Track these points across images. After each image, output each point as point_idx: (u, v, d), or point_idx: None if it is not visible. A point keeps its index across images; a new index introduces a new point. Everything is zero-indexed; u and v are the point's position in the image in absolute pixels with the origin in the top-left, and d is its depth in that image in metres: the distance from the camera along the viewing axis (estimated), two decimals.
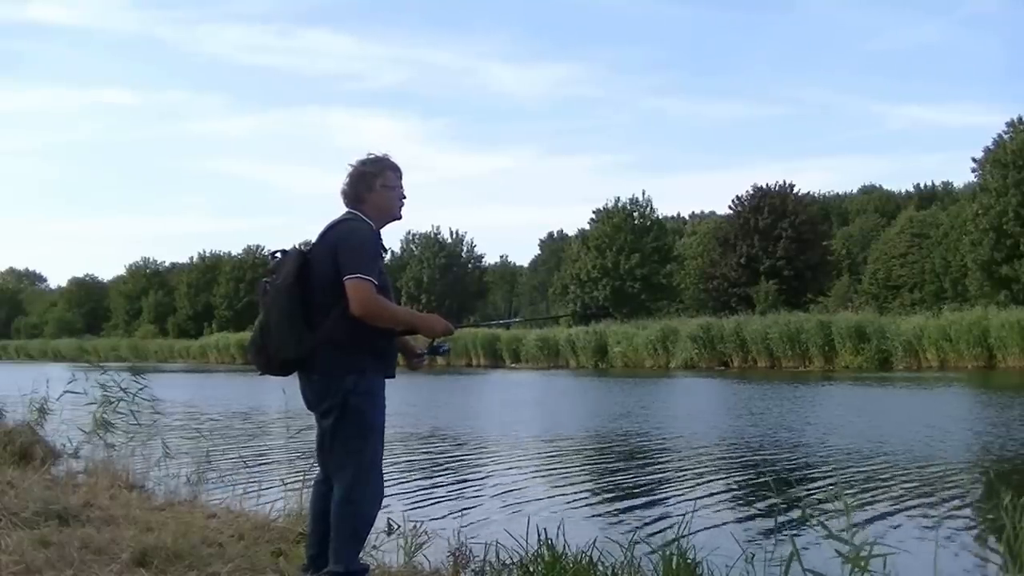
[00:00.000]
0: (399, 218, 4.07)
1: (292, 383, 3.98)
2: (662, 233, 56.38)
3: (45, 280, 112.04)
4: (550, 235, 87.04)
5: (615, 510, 7.78)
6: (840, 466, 9.81)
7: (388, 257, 4.23)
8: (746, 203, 52.11)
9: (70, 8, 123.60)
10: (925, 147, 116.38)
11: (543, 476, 9.91)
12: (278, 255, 3.96)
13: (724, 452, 11.40)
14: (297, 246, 4.37)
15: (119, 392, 8.31)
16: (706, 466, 10.34)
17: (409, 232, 66.28)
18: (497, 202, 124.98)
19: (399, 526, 5.51)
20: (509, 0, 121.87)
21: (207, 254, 79.04)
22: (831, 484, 8.30)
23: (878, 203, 72.81)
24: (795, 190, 52.68)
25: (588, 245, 55.17)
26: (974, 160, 46.96)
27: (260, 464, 10.06)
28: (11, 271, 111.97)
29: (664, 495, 8.44)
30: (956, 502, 7.66)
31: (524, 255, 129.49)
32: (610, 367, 38.59)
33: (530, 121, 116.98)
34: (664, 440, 12.69)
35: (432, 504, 7.86)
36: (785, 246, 49.68)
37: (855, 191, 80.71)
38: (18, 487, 5.70)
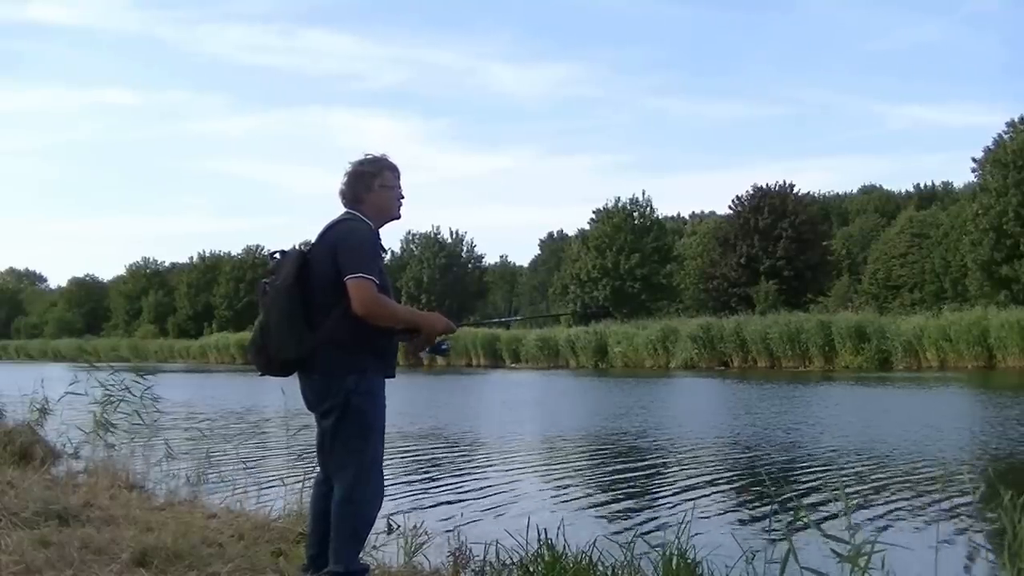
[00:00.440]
0: (398, 218, 4.08)
1: (292, 383, 3.98)
2: (662, 233, 56.38)
3: (45, 280, 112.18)
4: (550, 235, 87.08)
5: (615, 510, 7.78)
6: (840, 466, 9.81)
7: (388, 257, 4.24)
8: (746, 203, 52.12)
9: (70, 8, 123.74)
10: (925, 147, 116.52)
11: (543, 476, 9.91)
12: (277, 256, 3.96)
13: (724, 452, 11.40)
14: (297, 246, 4.37)
15: (120, 391, 8.31)
16: (706, 466, 10.34)
17: (409, 232, 66.40)
18: (497, 202, 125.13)
19: (399, 526, 5.51)
20: (510, 0, 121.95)
21: (207, 254, 79.08)
22: (831, 484, 8.30)
23: (878, 203, 72.80)
24: (795, 190, 52.72)
25: (588, 245, 55.17)
26: (974, 160, 47.03)
27: (260, 464, 10.06)
28: (11, 271, 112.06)
29: (664, 495, 8.44)
30: (956, 502, 7.65)
31: (524, 255, 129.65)
32: (610, 367, 38.59)
33: (531, 121, 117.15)
34: (664, 440, 12.69)
35: (432, 504, 7.86)
36: (785, 246, 49.68)
37: (855, 191, 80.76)
38: (18, 487, 5.70)
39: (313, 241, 3.95)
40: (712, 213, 68.24)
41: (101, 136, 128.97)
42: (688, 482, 9.12)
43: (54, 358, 64.31)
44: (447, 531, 5.38)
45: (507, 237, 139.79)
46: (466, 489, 8.82)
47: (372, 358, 3.83)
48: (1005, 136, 43.96)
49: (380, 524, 4.87)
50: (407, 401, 18.44)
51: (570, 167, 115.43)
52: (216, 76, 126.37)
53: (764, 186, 52.23)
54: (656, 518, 7.13)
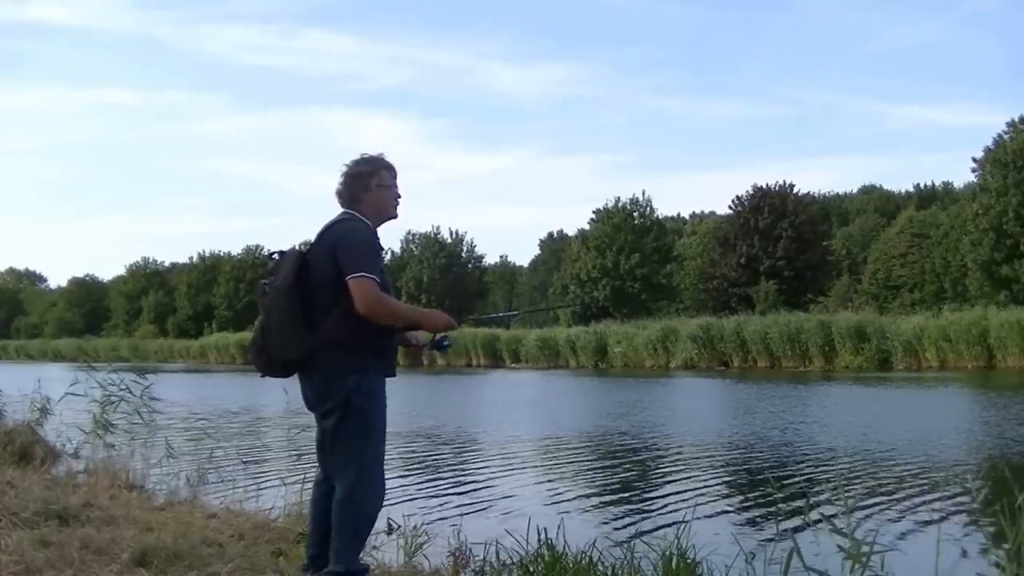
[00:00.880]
0: (395, 217, 4.08)
1: (293, 383, 3.98)
2: (662, 233, 56.35)
3: (45, 280, 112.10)
4: (550, 235, 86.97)
5: (615, 510, 7.78)
6: (840, 466, 9.81)
7: (388, 257, 4.24)
8: (746, 203, 52.11)
9: (70, 8, 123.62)
10: (925, 147, 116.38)
11: (543, 476, 9.91)
12: (276, 256, 3.96)
13: (724, 452, 11.40)
14: (296, 246, 4.37)
15: (120, 391, 8.31)
16: (706, 466, 10.34)
17: (409, 232, 66.35)
18: (497, 202, 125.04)
19: (399, 526, 5.51)
20: (510, 0, 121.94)
21: (207, 254, 79.04)
22: (831, 484, 8.29)
23: (878, 203, 72.76)
24: (795, 190, 52.69)
25: (588, 245, 55.16)
26: (974, 160, 46.99)
27: (260, 464, 10.06)
28: (11, 271, 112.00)
29: (664, 495, 8.44)
30: (956, 501, 7.65)
31: (524, 255, 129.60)
32: (610, 367, 38.59)
33: (530, 121, 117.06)
34: (664, 440, 12.69)
35: (432, 504, 7.86)
36: (785, 246, 49.67)
37: (855, 191, 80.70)
38: (18, 487, 5.70)
39: (312, 241, 3.95)
40: (712, 213, 68.25)
41: (101, 136, 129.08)
42: (688, 482, 9.12)
43: (54, 358, 64.30)
44: (447, 531, 5.37)
45: (507, 237, 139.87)
46: (466, 489, 8.82)
47: (373, 358, 3.83)
48: (1005, 136, 43.95)
49: (380, 524, 4.87)
50: (407, 401, 18.44)
51: (570, 167, 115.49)
52: (215, 76, 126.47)
53: (764, 186, 52.24)
54: (656, 518, 7.13)
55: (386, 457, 4.04)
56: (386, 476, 4.01)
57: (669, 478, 9.49)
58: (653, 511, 7.58)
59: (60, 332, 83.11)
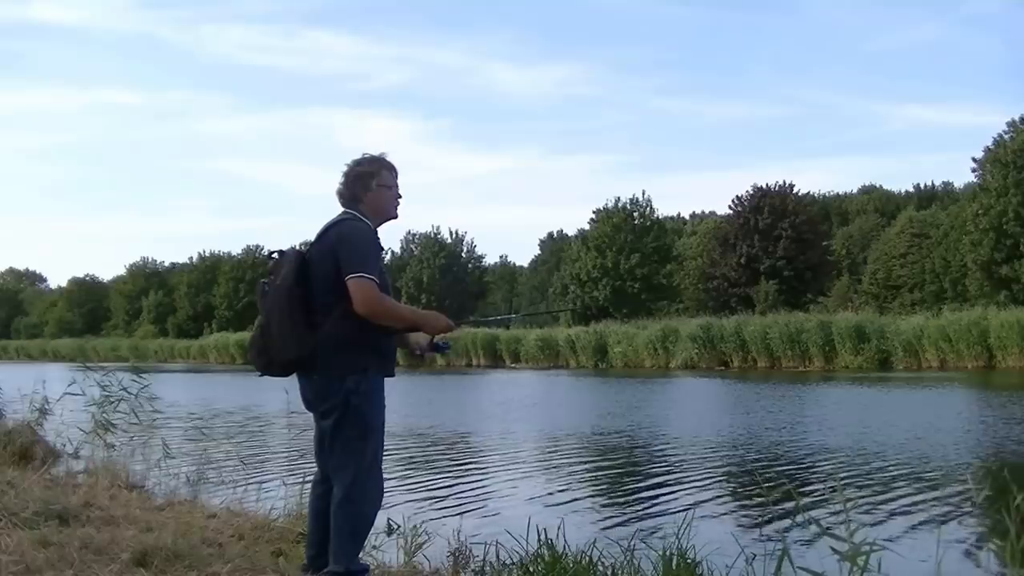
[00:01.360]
0: (395, 217, 4.08)
1: (292, 383, 3.98)
2: (662, 233, 56.34)
3: (45, 280, 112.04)
4: (550, 235, 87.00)
5: (615, 510, 7.78)
6: (840, 466, 9.80)
7: (388, 257, 4.24)
8: (746, 203, 52.11)
9: (71, 8, 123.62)
10: (925, 147, 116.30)
11: (543, 476, 9.91)
12: (276, 256, 3.96)
13: (724, 452, 11.40)
14: (296, 246, 4.37)
15: (119, 391, 8.31)
16: (706, 466, 10.34)
17: (409, 232, 66.37)
18: (497, 202, 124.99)
19: (399, 526, 5.51)
20: (512, 0, 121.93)
21: (207, 254, 79.08)
22: (831, 484, 8.29)
23: (878, 203, 72.76)
24: (795, 190, 52.73)
25: (588, 245, 55.15)
26: (974, 160, 47.04)
27: (260, 464, 10.06)
28: (11, 271, 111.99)
29: (664, 495, 8.44)
30: (956, 502, 7.65)
31: (524, 255, 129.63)
32: (610, 367, 38.58)
33: (532, 121, 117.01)
34: (664, 440, 12.69)
35: (432, 504, 7.86)
36: (785, 246, 49.68)
37: (855, 191, 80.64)
38: (18, 487, 5.70)
39: (312, 241, 3.95)
40: (712, 213, 68.23)
41: (101, 136, 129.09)
42: (688, 482, 9.12)
43: (54, 358, 64.30)
44: (447, 531, 5.37)
45: (507, 237, 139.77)
46: (466, 489, 8.82)
47: (372, 358, 3.82)
48: (1005, 136, 43.98)
49: (380, 524, 4.87)
50: (407, 401, 18.45)
51: (571, 167, 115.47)
52: (217, 76, 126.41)
53: (764, 186, 52.26)
54: (656, 518, 7.13)
55: (386, 457, 4.04)
56: (386, 476, 4.02)
57: (669, 478, 9.49)
58: (653, 511, 7.58)
59: (60, 332, 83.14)
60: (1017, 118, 43.98)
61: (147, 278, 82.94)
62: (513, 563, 4.54)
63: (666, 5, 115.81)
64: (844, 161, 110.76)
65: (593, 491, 8.92)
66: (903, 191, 76.38)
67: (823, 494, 7.89)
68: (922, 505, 7.72)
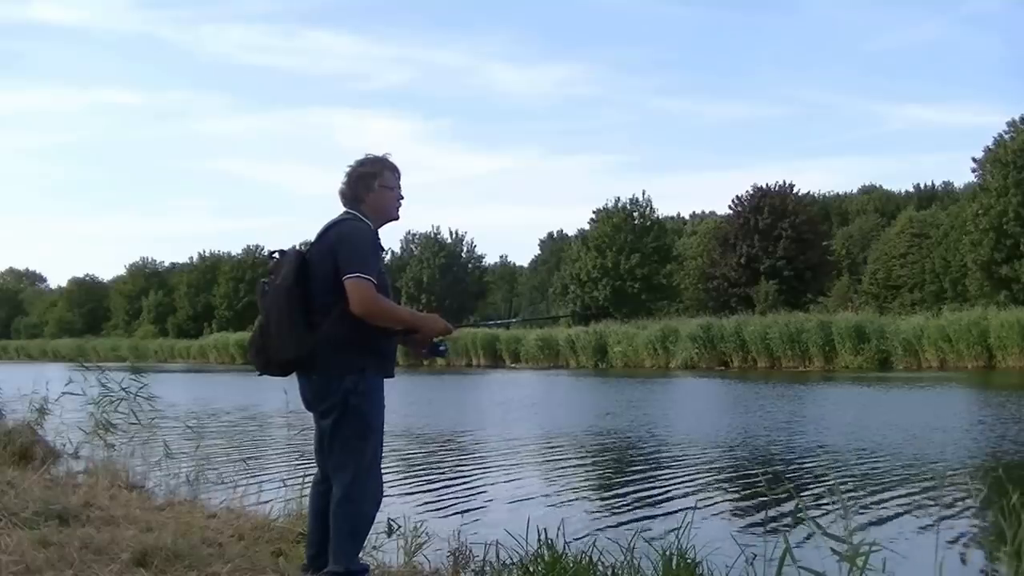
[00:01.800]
0: (397, 219, 4.07)
1: (292, 383, 3.98)
2: (662, 233, 56.35)
3: (45, 280, 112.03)
4: (550, 235, 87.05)
5: (615, 510, 7.78)
6: (840, 466, 9.80)
7: (388, 257, 4.24)
8: (746, 203, 52.12)
9: (71, 8, 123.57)
10: (925, 147, 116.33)
11: (543, 476, 9.91)
12: (276, 255, 3.96)
13: (724, 452, 11.40)
14: (296, 246, 4.37)
15: (119, 392, 8.31)
16: (706, 466, 10.34)
17: (409, 232, 66.41)
18: (497, 202, 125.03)
19: (399, 526, 5.51)
20: (512, 0, 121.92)
21: (207, 254, 79.09)
22: (831, 484, 8.29)
23: (878, 203, 72.78)
24: (795, 190, 52.75)
25: (588, 245, 55.16)
26: (974, 160, 47.03)
27: (260, 464, 10.06)
28: (11, 271, 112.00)
29: (664, 495, 8.44)
30: (956, 502, 7.66)
31: (524, 255, 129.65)
32: (610, 367, 38.58)
33: (532, 121, 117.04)
34: (664, 440, 12.69)
35: (432, 504, 7.87)
36: (785, 246, 49.69)
37: (855, 191, 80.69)
38: (18, 487, 5.69)
39: (312, 241, 3.95)
40: (712, 213, 68.25)
41: (101, 136, 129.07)
42: (688, 482, 9.13)
43: (54, 358, 64.29)
44: (447, 531, 5.37)
45: (507, 237, 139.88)
46: (466, 489, 8.82)
47: (371, 358, 3.82)
48: (1005, 136, 43.98)
49: (380, 524, 4.87)
50: (407, 401, 18.45)
51: (571, 167, 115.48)
52: (217, 76, 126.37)
53: (764, 186, 52.28)
54: (656, 518, 7.13)
55: (386, 457, 4.04)
56: (386, 476, 4.02)
57: (669, 478, 9.49)
58: (653, 511, 7.58)
59: (60, 332, 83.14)
60: (1017, 118, 44.03)
61: (147, 278, 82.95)
62: (513, 563, 4.54)
63: (666, 5, 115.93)
64: (844, 161, 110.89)
65: (593, 491, 8.92)
66: (903, 191, 76.51)
67: (823, 494, 7.89)
68: (921, 505, 7.72)
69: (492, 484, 9.10)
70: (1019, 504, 3.19)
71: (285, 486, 6.58)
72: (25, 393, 10.00)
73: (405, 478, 9.33)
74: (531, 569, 4.38)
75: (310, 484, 4.15)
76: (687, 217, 79.60)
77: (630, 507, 7.90)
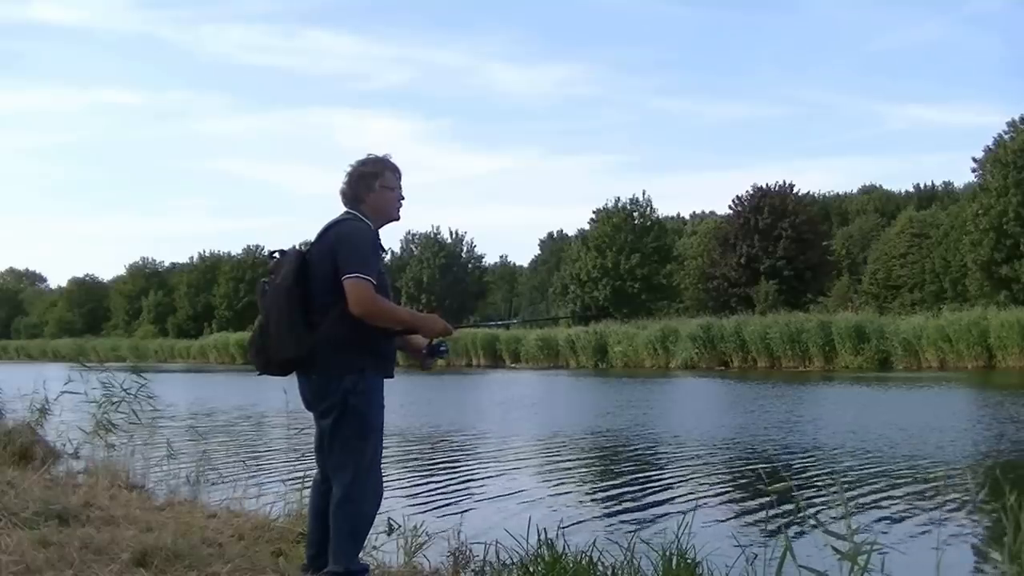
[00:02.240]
0: (397, 219, 4.07)
1: (292, 383, 3.98)
2: (662, 233, 56.36)
3: (45, 280, 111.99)
4: (550, 235, 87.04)
5: (615, 510, 7.78)
6: (840, 466, 9.81)
7: (388, 257, 4.24)
8: (746, 203, 52.13)
9: (71, 8, 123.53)
10: (925, 147, 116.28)
11: (543, 476, 9.91)
12: (277, 255, 3.96)
13: (724, 452, 11.40)
14: (296, 246, 4.37)
15: (120, 392, 8.31)
16: (706, 466, 10.34)
17: (409, 232, 66.41)
18: (497, 202, 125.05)
19: (399, 526, 5.51)
20: (512, 0, 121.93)
21: (207, 254, 79.09)
22: (831, 484, 8.30)
23: (878, 203, 72.76)
24: (795, 190, 52.75)
25: (588, 245, 55.17)
26: (974, 160, 47.05)
27: (260, 464, 10.06)
28: (11, 271, 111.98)
29: (664, 495, 8.44)
30: (956, 502, 7.66)
31: (524, 255, 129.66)
32: (610, 367, 38.58)
33: (532, 121, 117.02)
34: (664, 440, 12.69)
35: (432, 504, 7.87)
36: (785, 246, 49.69)
37: (855, 191, 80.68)
38: (18, 487, 5.69)
39: (312, 241, 3.95)
40: (712, 213, 68.24)
41: (101, 136, 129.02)
42: (688, 482, 9.13)
43: (54, 358, 64.28)
44: (447, 531, 5.37)
45: (507, 237, 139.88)
46: (466, 489, 8.82)
47: (371, 358, 3.82)
48: (1005, 136, 43.98)
49: (380, 524, 4.87)
50: (407, 401, 18.44)
51: (571, 167, 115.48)
52: (217, 76, 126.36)
53: (764, 186, 52.28)
54: (656, 518, 7.13)
55: (385, 457, 4.04)
56: (386, 476, 4.02)
57: (669, 478, 9.49)
58: (653, 511, 7.59)
59: (60, 332, 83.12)
60: (1017, 118, 44.04)
61: (147, 278, 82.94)
62: (513, 563, 4.54)
63: (666, 5, 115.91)
64: (844, 161, 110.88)
65: (593, 491, 8.92)
66: (903, 191, 76.48)
67: (823, 494, 7.89)
68: (921, 505, 7.72)
69: (492, 484, 9.09)
70: (1018, 504, 3.19)
71: (285, 486, 6.59)
72: (25, 393, 10.00)
73: (405, 478, 9.33)
74: (531, 569, 4.38)
75: (310, 484, 4.15)
76: (687, 217, 79.65)
77: (630, 507, 7.90)
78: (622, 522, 7.05)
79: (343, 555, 3.77)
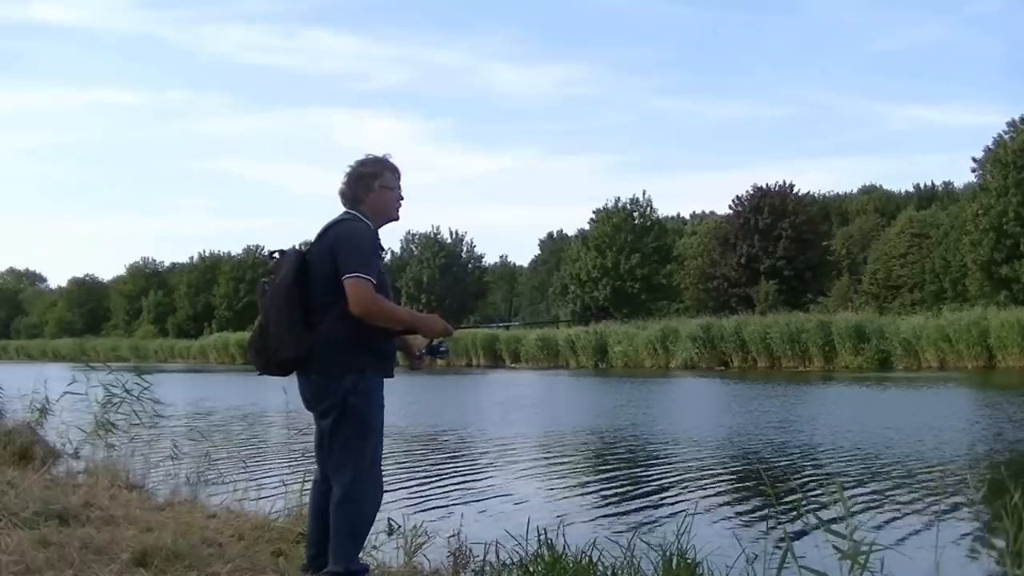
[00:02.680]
0: (397, 219, 4.07)
1: (292, 383, 3.98)
2: (662, 233, 56.37)
3: (45, 280, 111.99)
4: (550, 235, 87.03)
5: (615, 510, 7.78)
6: (840, 466, 9.81)
7: (388, 257, 4.24)
8: (746, 203, 52.12)
9: (72, 8, 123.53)
10: (925, 147, 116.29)
11: (543, 476, 9.91)
12: (276, 255, 3.96)
13: (724, 452, 11.40)
14: (296, 246, 4.37)
15: (121, 391, 8.31)
16: (706, 466, 10.34)
17: (409, 232, 66.42)
18: (497, 202, 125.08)
19: (399, 526, 5.51)
20: (512, 0, 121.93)
21: (207, 254, 79.08)
22: (831, 484, 8.30)
23: (878, 203, 72.75)
24: (795, 190, 52.74)
25: (588, 245, 55.17)
26: (974, 160, 47.05)
27: (260, 464, 10.07)
28: (11, 271, 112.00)
29: (664, 495, 8.44)
30: (956, 502, 7.65)
31: (524, 255, 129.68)
32: (610, 367, 38.58)
33: (532, 121, 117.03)
34: (664, 440, 12.69)
35: (432, 504, 7.87)
36: (785, 246, 49.69)
37: (855, 191, 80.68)
38: (18, 487, 5.69)
39: (312, 241, 3.95)
40: (712, 213, 68.24)
41: (101, 136, 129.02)
42: (688, 482, 9.13)
43: (54, 358, 64.30)
44: (447, 531, 5.37)
45: (507, 237, 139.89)
46: (466, 489, 8.82)
47: (371, 358, 3.82)
48: (1005, 136, 43.98)
49: (380, 524, 4.87)
50: (407, 401, 18.44)
51: (571, 167, 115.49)
52: (217, 76, 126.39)
53: (764, 186, 52.27)
54: (656, 518, 7.13)
55: (385, 457, 4.04)
56: (385, 476, 4.01)
57: (669, 478, 9.49)
58: (653, 511, 7.58)
59: (60, 332, 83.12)
60: (1017, 118, 44.04)
61: (147, 278, 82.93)
62: (513, 563, 4.54)
63: (666, 5, 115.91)
64: (845, 161, 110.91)
65: (593, 491, 8.92)
66: (903, 191, 76.48)
67: (823, 494, 7.89)
68: (921, 505, 7.72)
69: (492, 484, 9.09)
70: (1019, 503, 3.19)
71: (285, 486, 6.59)
72: (25, 393, 10.00)
73: (405, 478, 9.33)
74: (531, 569, 4.38)
75: (310, 484, 4.15)
76: (687, 217, 79.64)
77: (630, 507, 7.90)
78: (622, 522, 7.04)
79: (343, 555, 3.77)
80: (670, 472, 9.95)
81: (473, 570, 4.72)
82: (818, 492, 8.15)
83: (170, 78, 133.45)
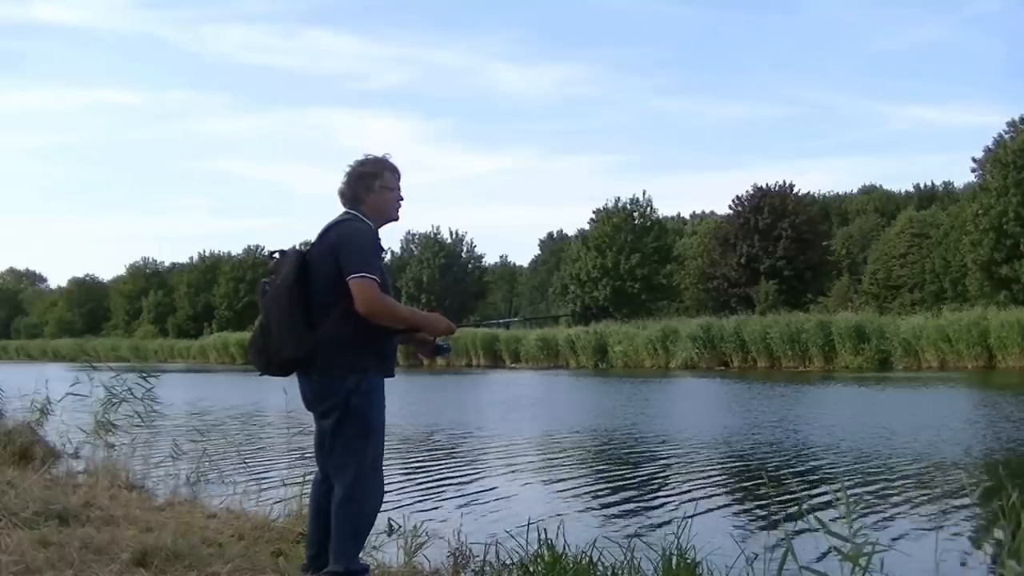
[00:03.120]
0: (396, 219, 4.08)
1: (292, 383, 3.98)
2: (662, 233, 56.36)
3: (45, 280, 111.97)
4: (550, 235, 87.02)
5: (615, 510, 7.78)
6: (840, 466, 9.81)
7: (388, 257, 4.24)
8: (746, 203, 52.12)
9: (72, 8, 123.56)
10: (925, 147, 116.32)
11: (543, 476, 9.91)
12: (277, 255, 3.96)
13: (724, 452, 11.40)
14: (296, 246, 4.37)
15: (123, 392, 8.31)
16: (706, 466, 10.34)
17: (409, 232, 66.40)
18: (497, 202, 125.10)
19: (399, 526, 5.51)
20: (512, 0, 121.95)
21: (207, 254, 79.07)
22: (831, 484, 8.30)
23: (878, 203, 72.74)
24: (795, 190, 52.74)
25: (588, 245, 55.16)
26: (974, 160, 47.13)
27: (260, 464, 10.06)
28: (11, 271, 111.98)
29: (664, 495, 8.44)
30: (956, 501, 7.65)
31: (524, 255, 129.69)
32: (610, 367, 38.58)
33: (532, 121, 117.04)
34: (664, 440, 12.69)
35: (432, 504, 7.87)
36: (785, 246, 49.69)
37: (855, 191, 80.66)
38: (18, 487, 5.69)
39: (313, 241, 3.95)
40: (712, 213, 68.22)
41: (101, 136, 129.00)
42: (688, 482, 9.12)
43: (54, 358, 64.29)
44: (447, 531, 5.37)
45: (507, 237, 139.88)
46: (466, 489, 8.82)
47: (372, 358, 3.82)
48: (1005, 136, 44.01)
49: (380, 524, 4.87)
50: (407, 401, 18.45)
51: (571, 167, 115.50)
52: (217, 76, 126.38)
53: (764, 186, 52.27)
54: (656, 518, 7.13)
55: (386, 457, 4.04)
56: (386, 476, 4.02)
57: (669, 478, 9.49)
58: (653, 511, 7.58)
59: (60, 332, 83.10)
60: (1017, 118, 44.10)
61: (147, 278, 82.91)
62: (513, 563, 4.54)
63: (666, 5, 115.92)
64: (845, 161, 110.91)
65: (593, 491, 8.92)
66: (903, 191, 76.46)
67: (823, 494, 7.90)
68: (921, 504, 7.72)
69: (492, 484, 9.09)
70: (1017, 503, 3.19)
71: (285, 486, 6.59)
72: (25, 393, 10.00)
73: (405, 478, 9.33)
74: (531, 569, 4.38)
75: (310, 484, 4.15)
76: (687, 217, 79.62)
77: (630, 507, 7.90)
78: (622, 522, 7.05)
79: (344, 555, 3.77)
80: (670, 472, 9.95)
81: (473, 570, 4.72)
82: (818, 492, 8.16)
83: (170, 78, 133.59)
